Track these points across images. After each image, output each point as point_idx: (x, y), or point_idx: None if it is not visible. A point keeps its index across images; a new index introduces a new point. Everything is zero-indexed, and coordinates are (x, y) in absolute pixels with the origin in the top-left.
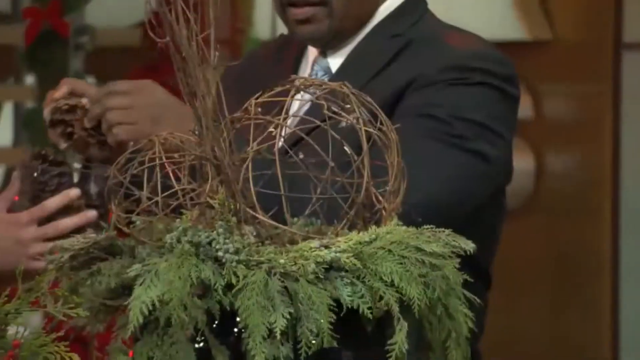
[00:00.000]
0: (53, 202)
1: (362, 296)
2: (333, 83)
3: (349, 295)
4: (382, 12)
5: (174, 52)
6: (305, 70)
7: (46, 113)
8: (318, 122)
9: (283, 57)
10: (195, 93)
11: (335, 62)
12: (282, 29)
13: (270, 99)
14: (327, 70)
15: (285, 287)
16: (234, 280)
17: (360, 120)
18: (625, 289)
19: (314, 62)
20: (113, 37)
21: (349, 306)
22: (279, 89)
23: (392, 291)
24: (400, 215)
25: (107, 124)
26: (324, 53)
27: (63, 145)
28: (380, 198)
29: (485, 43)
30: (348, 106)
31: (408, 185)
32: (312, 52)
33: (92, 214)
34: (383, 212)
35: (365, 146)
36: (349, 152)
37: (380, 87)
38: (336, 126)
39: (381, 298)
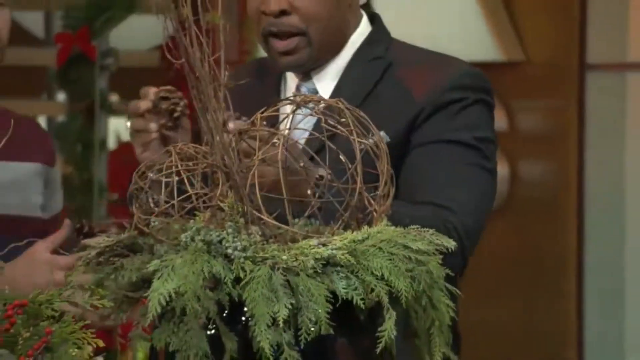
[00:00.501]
0: None
1: (355, 289)
2: (330, 99)
3: (344, 288)
4: (356, 39)
5: (189, 72)
6: (289, 92)
7: (152, 94)
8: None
9: (264, 80)
10: (207, 108)
11: (321, 84)
12: None
13: (273, 113)
14: (314, 91)
15: (287, 281)
16: (241, 275)
17: (354, 132)
18: (589, 284)
19: (299, 85)
20: (134, 59)
21: (344, 297)
22: (282, 104)
23: (382, 284)
24: (440, 220)
25: None
26: (307, 76)
27: (168, 123)
28: (372, 201)
29: (461, 60)
30: (343, 120)
31: (459, 210)
32: (289, 76)
33: None
34: (374, 214)
35: (358, 155)
36: (344, 160)
37: (373, 106)
38: (337, 138)
39: (372, 290)
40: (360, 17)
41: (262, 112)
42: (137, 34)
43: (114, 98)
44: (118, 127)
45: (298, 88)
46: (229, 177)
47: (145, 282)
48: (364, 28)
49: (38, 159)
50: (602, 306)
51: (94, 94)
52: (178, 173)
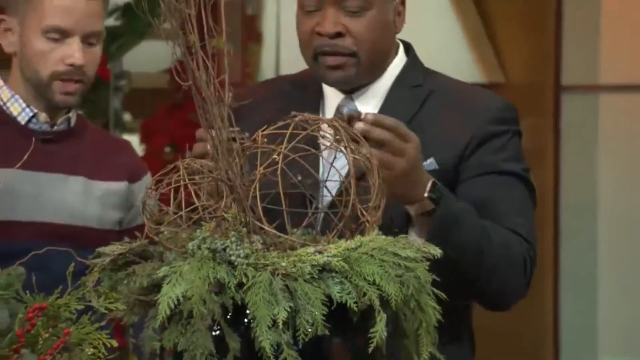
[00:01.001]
0: None
1: (349, 293)
2: (325, 118)
3: (338, 292)
4: (395, 65)
5: (195, 93)
6: (330, 109)
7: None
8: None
9: (306, 94)
10: (212, 126)
11: (363, 106)
12: (285, 72)
13: (273, 132)
14: (356, 111)
15: (286, 285)
16: (244, 280)
17: (349, 149)
18: (564, 287)
19: (341, 104)
20: (146, 81)
21: (339, 301)
22: (281, 123)
23: (374, 289)
24: (518, 243)
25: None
26: (349, 97)
27: None
28: (364, 212)
29: (490, 91)
30: (338, 137)
31: (528, 238)
32: (330, 95)
33: None
34: (366, 224)
35: (352, 170)
36: (338, 174)
37: (416, 132)
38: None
39: (365, 294)
40: (397, 45)
41: (264, 130)
42: (148, 58)
43: (127, 117)
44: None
45: (338, 109)
46: (233, 190)
47: (156, 287)
48: (401, 55)
49: (121, 177)
50: (576, 306)
51: (109, 113)
52: (185, 186)
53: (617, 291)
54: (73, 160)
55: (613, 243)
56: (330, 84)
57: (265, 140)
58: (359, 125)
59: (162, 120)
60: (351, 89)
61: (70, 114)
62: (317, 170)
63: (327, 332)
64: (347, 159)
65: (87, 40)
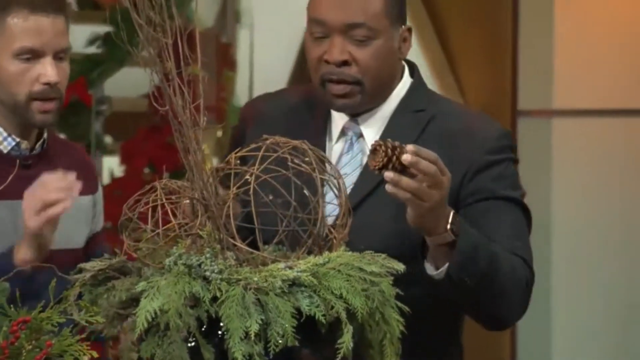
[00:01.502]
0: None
1: (317, 306)
2: (295, 141)
3: (307, 305)
4: (400, 89)
5: (172, 117)
6: (336, 131)
7: None
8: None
9: (314, 114)
10: (188, 149)
11: (367, 129)
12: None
13: (247, 154)
14: (359, 134)
15: (258, 299)
16: (218, 294)
17: (317, 170)
18: None
19: (346, 126)
20: (126, 105)
21: (308, 313)
22: (253, 145)
23: (341, 302)
24: (521, 268)
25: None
26: (355, 119)
27: None
28: (332, 230)
29: (491, 119)
30: (307, 159)
31: (529, 261)
32: (336, 116)
33: None
34: (334, 240)
35: (319, 189)
36: (307, 194)
37: None
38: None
39: (332, 307)
40: (403, 68)
41: (237, 152)
42: (128, 83)
43: (107, 139)
44: (111, 165)
45: (344, 130)
46: (207, 209)
47: (134, 301)
48: (405, 79)
49: (89, 190)
50: (531, 325)
51: (91, 136)
52: (162, 205)
53: (569, 303)
54: None
55: (566, 261)
56: (336, 110)
57: (239, 161)
58: (407, 157)
59: (141, 143)
60: (356, 112)
61: (45, 135)
62: (313, 189)
63: (296, 344)
64: (315, 179)
65: (57, 56)
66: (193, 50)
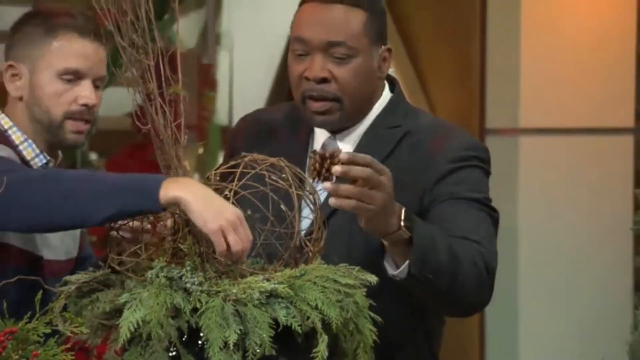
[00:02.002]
0: None
1: (294, 316)
2: (272, 159)
3: (284, 316)
4: (379, 105)
5: (154, 135)
6: (317, 145)
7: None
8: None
9: (298, 131)
10: (169, 166)
11: (344, 147)
12: (237, 117)
13: (228, 170)
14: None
15: (237, 310)
16: (198, 305)
17: (293, 186)
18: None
19: (325, 143)
20: (110, 123)
21: (285, 324)
22: (233, 162)
23: (317, 313)
24: (479, 254)
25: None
26: (334, 135)
27: None
28: (307, 243)
29: (464, 133)
30: (284, 175)
31: (487, 246)
32: (318, 133)
33: None
34: (310, 253)
35: (296, 204)
36: (284, 209)
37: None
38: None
39: (308, 318)
40: (383, 85)
41: (217, 169)
42: (112, 103)
43: (93, 156)
44: None
45: (324, 145)
46: (188, 223)
47: (117, 312)
48: (385, 95)
49: None
50: (499, 331)
51: (76, 154)
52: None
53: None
54: None
55: (533, 275)
56: (315, 126)
57: (219, 178)
58: (336, 168)
59: (126, 160)
60: (336, 129)
61: (60, 156)
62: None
63: (274, 353)
64: (291, 195)
65: (95, 83)
66: (175, 71)
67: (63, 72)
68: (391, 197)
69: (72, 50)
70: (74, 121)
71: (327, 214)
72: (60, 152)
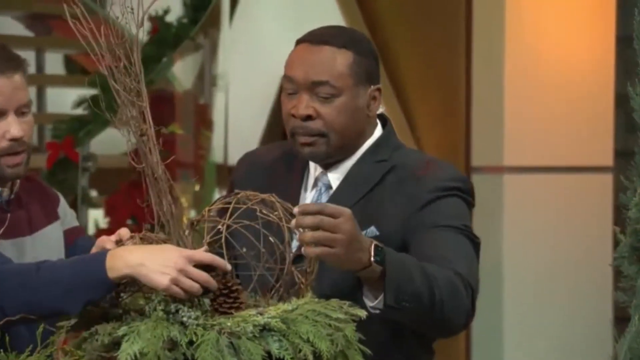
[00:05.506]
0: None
1: (286, 349)
2: (264, 195)
3: (277, 349)
4: (370, 141)
5: (149, 173)
6: (310, 182)
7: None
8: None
9: (293, 167)
10: (163, 202)
11: (334, 181)
12: (232, 155)
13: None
14: (328, 185)
15: (232, 343)
16: (194, 338)
17: (284, 220)
18: (475, 340)
19: (317, 178)
20: (109, 162)
21: (277, 356)
22: (227, 199)
23: (308, 346)
24: (457, 275)
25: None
26: (325, 170)
27: None
28: (299, 276)
29: (449, 166)
30: (276, 213)
31: (469, 276)
32: (312, 168)
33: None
34: (301, 286)
35: (287, 238)
36: (275, 242)
37: (370, 205)
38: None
39: (300, 350)
40: (375, 124)
41: (210, 206)
42: (112, 142)
43: (93, 193)
44: (96, 217)
45: (316, 182)
46: None
47: (116, 345)
48: (377, 133)
49: (55, 216)
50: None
51: (77, 191)
52: None
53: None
54: (27, 220)
55: (517, 310)
56: (305, 158)
57: (212, 214)
58: (292, 223)
59: (124, 197)
60: (328, 164)
61: (18, 181)
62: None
63: None
64: (282, 230)
65: (19, 111)
66: (174, 109)
67: None
68: (353, 236)
69: None
70: (8, 156)
71: None
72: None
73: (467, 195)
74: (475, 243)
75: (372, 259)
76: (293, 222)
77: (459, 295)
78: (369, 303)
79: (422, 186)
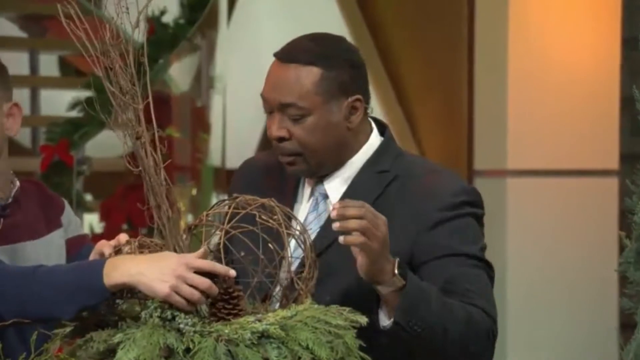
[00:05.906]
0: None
1: (285, 357)
2: (264, 199)
3: (276, 356)
4: (369, 147)
5: (146, 177)
6: (306, 192)
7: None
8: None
9: (287, 176)
10: (160, 206)
11: (331, 191)
12: (230, 158)
13: (216, 211)
14: (325, 195)
15: (229, 350)
16: (191, 345)
17: (283, 225)
18: None
19: (314, 188)
20: (104, 165)
21: None
22: (226, 203)
23: (308, 353)
24: (481, 317)
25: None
26: (321, 181)
27: None
28: (299, 282)
29: (454, 176)
30: (275, 217)
31: (491, 313)
32: (307, 179)
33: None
34: (301, 292)
35: (286, 244)
36: (275, 248)
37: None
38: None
39: (299, 358)
40: (370, 129)
41: (208, 211)
42: (107, 145)
43: (88, 197)
44: (91, 222)
45: (312, 191)
46: None
47: (111, 352)
48: (374, 139)
49: (58, 223)
50: None
51: (72, 195)
52: None
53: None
54: (25, 226)
55: (521, 315)
56: (292, 175)
57: (211, 218)
58: (332, 212)
59: (120, 201)
60: (322, 175)
61: (18, 183)
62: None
63: None
64: (282, 235)
65: None
66: (170, 112)
67: None
68: (387, 240)
69: None
70: None
71: (319, 251)
72: (17, 180)
73: (477, 209)
74: (490, 270)
75: (395, 270)
76: (334, 212)
77: (480, 339)
78: (382, 323)
79: (430, 202)
